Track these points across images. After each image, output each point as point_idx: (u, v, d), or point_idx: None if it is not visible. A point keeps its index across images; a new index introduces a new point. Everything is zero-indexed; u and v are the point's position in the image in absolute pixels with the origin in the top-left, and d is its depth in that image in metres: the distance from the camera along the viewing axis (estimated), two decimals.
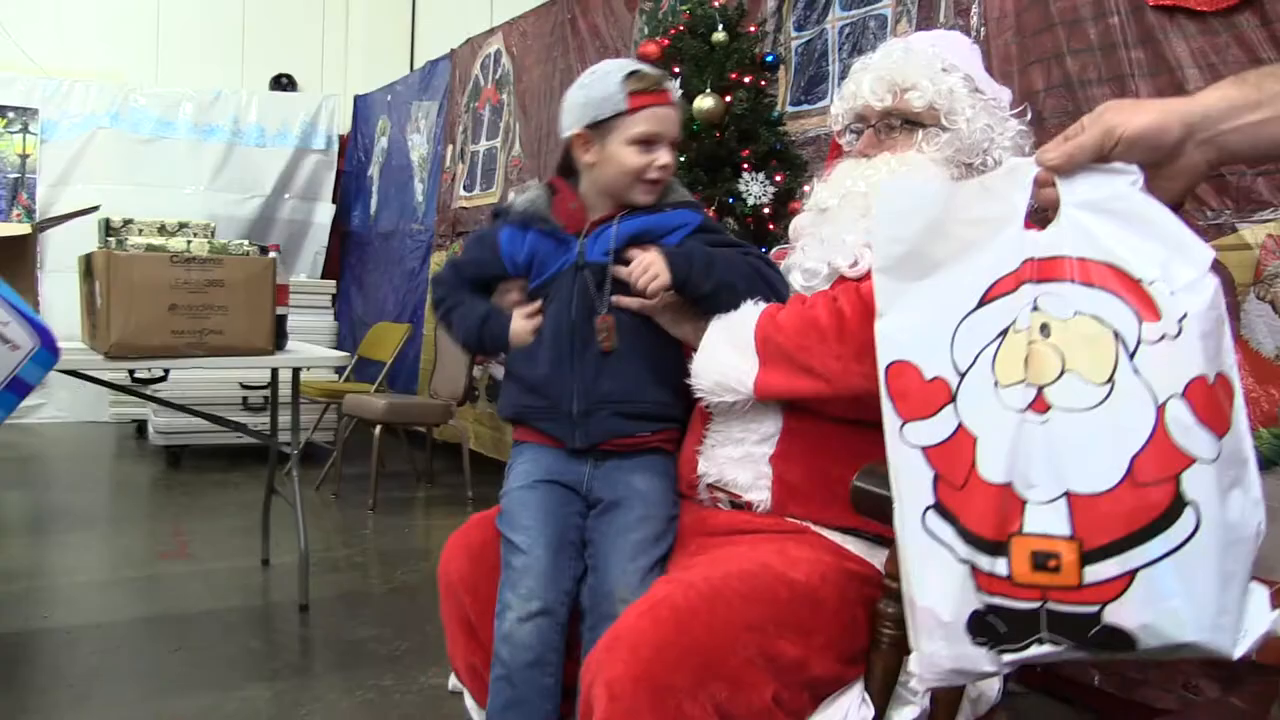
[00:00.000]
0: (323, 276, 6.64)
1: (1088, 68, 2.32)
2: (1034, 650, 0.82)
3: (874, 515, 1.12)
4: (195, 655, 2.59)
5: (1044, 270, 0.83)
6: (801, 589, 1.15)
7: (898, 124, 1.41)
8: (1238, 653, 0.79)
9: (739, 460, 1.33)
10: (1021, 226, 0.85)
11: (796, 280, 1.41)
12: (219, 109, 6.45)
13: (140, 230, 2.89)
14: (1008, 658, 0.83)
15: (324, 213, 6.81)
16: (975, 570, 0.83)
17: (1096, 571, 0.78)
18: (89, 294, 2.75)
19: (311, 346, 3.11)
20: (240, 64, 6.92)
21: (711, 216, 1.54)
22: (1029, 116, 1.48)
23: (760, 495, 1.31)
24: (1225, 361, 0.80)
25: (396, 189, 6.20)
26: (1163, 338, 0.79)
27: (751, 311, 1.32)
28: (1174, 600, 0.77)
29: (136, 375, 4.46)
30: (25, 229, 2.48)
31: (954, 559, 0.84)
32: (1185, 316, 0.78)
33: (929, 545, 0.85)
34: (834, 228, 1.39)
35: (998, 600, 0.82)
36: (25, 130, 6.02)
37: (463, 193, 5.34)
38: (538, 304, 1.44)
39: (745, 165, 2.30)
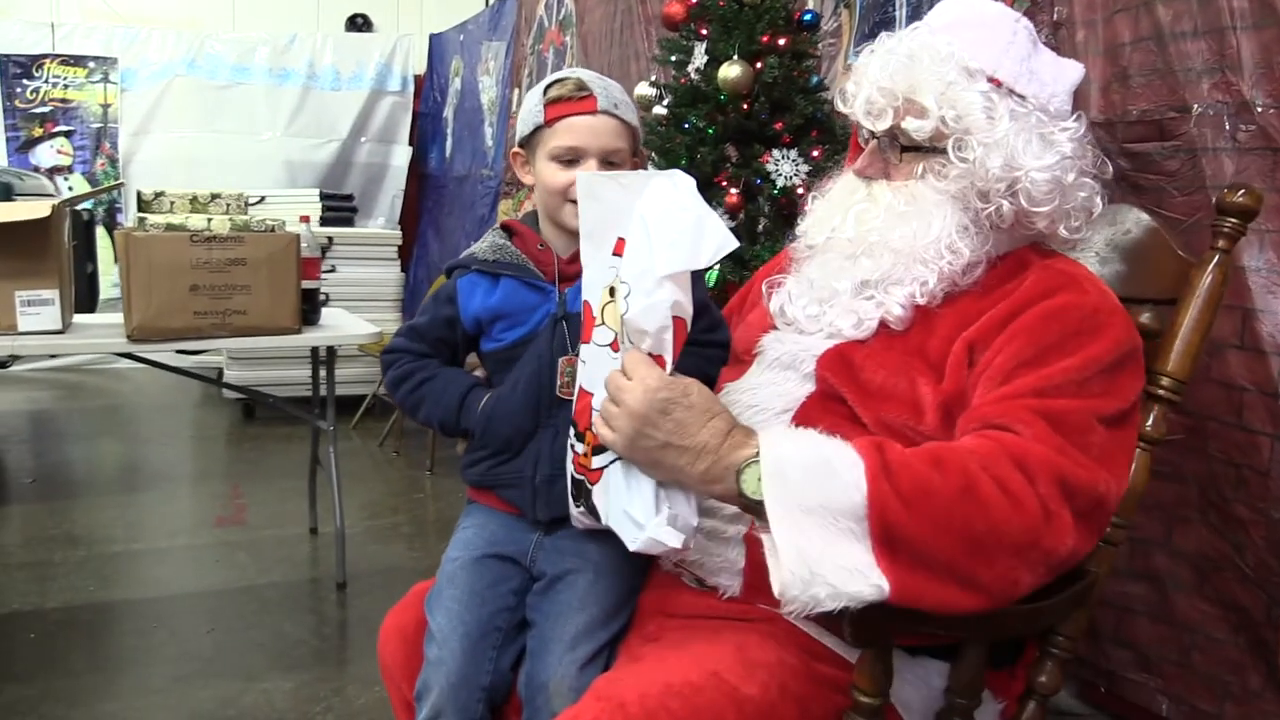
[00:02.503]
0: (401, 220, 6.60)
1: (1181, 18, 2.00)
2: (579, 510, 1.12)
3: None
4: (227, 638, 2.58)
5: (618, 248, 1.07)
6: (753, 709, 0.99)
7: (898, 148, 1.17)
8: (633, 547, 1.03)
9: (707, 534, 1.15)
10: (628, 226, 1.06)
11: (787, 330, 1.24)
12: (294, 53, 6.39)
13: (171, 203, 2.83)
14: (575, 510, 1.12)
15: (401, 155, 6.74)
16: (571, 447, 1.12)
17: (595, 461, 1.07)
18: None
19: (347, 318, 3.02)
20: (315, 5, 6.83)
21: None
22: (1083, 127, 1.18)
23: (729, 581, 1.13)
24: (664, 343, 1.04)
25: (469, 132, 6.07)
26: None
27: (847, 469, 0.94)
28: (606, 496, 1.07)
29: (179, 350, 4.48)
30: (45, 210, 2.43)
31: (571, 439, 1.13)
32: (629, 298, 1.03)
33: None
34: (821, 271, 1.20)
35: (575, 473, 1.11)
36: (106, 80, 6.08)
37: None
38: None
39: (784, 139, 2.07)
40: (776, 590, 0.92)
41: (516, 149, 1.31)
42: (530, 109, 1.26)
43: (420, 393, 1.30)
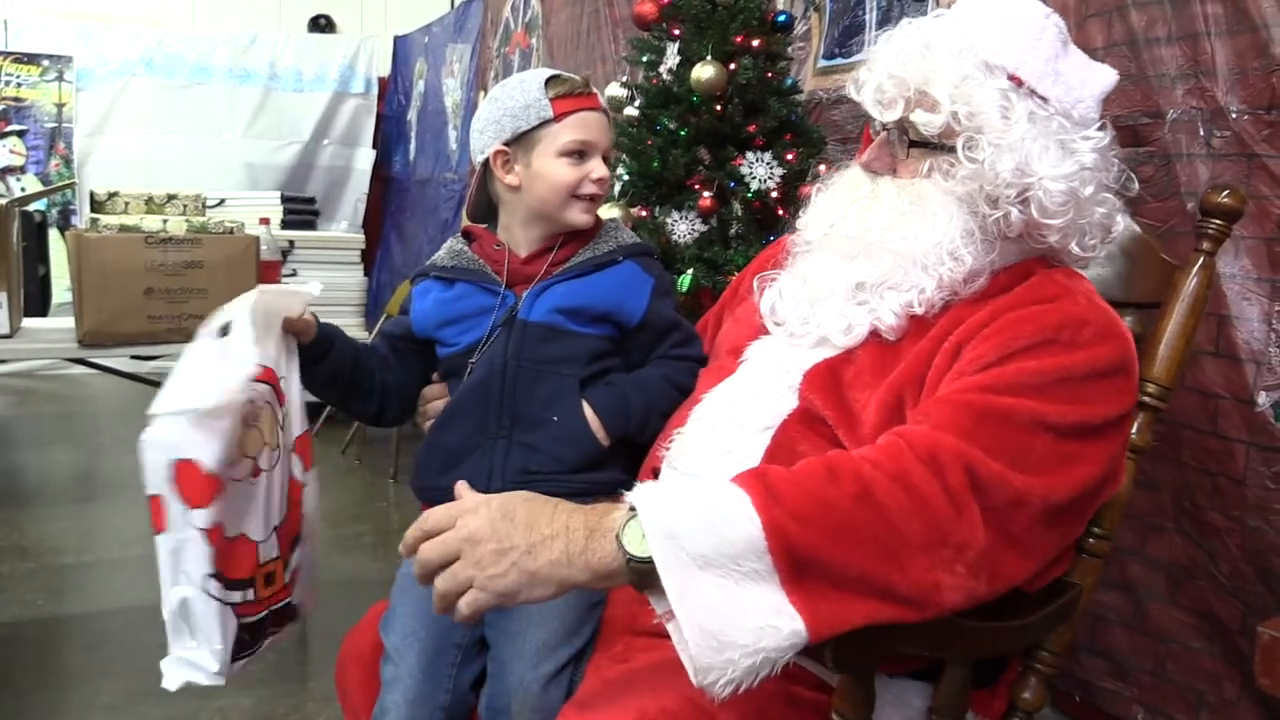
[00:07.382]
0: (364, 224, 6.51)
1: (1155, 23, 2.00)
2: (265, 645, 1.16)
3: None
4: None
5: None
6: None
7: (906, 142, 1.10)
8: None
9: None
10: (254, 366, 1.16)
11: (778, 332, 1.17)
12: (255, 53, 6.28)
13: (126, 204, 2.75)
14: (239, 664, 1.13)
15: (364, 159, 6.64)
16: (234, 607, 1.10)
17: (289, 568, 1.16)
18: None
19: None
20: (277, 5, 6.73)
21: (659, 262, 1.36)
22: (1109, 138, 1.10)
23: None
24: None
25: (432, 135, 5.99)
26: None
27: (734, 505, 0.85)
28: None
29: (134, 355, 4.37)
30: None
31: (221, 604, 1.09)
32: None
33: (206, 600, 1.09)
34: (817, 269, 1.14)
35: (247, 619, 1.11)
36: (61, 78, 5.93)
37: None
38: None
39: (757, 141, 2.04)
40: (691, 676, 0.83)
41: (500, 148, 1.24)
42: (528, 103, 1.22)
43: None
